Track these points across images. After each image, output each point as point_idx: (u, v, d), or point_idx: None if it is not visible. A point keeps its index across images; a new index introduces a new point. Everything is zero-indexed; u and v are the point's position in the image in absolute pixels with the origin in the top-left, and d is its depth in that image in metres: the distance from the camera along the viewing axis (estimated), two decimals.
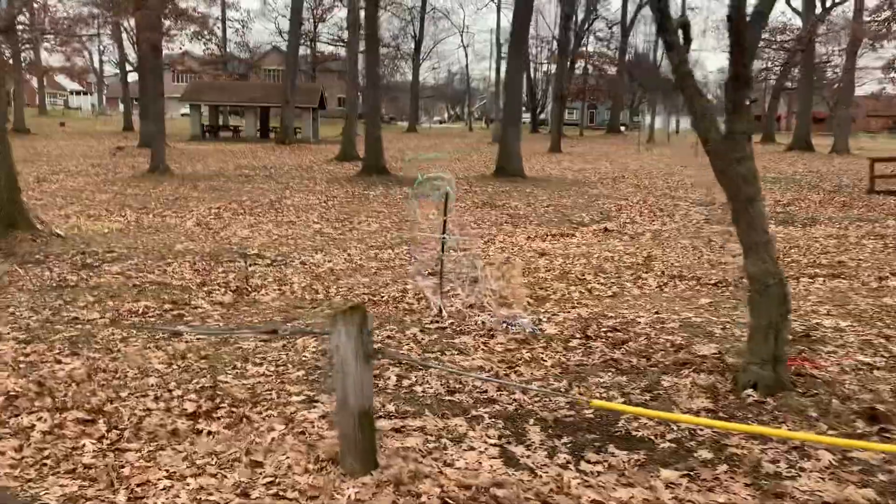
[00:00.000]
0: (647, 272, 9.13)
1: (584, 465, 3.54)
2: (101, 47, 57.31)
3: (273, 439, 3.82)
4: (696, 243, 11.62)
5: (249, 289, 8.39)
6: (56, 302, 7.61)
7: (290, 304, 7.66)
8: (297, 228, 13.48)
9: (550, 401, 4.40)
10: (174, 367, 5.36)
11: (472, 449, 3.73)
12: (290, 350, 5.74)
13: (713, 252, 10.80)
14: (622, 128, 68.40)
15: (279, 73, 66.73)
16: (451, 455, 3.67)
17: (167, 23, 19.41)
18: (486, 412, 4.26)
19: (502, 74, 49.48)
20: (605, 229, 13.62)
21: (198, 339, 6.15)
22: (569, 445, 3.77)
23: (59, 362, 5.51)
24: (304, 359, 5.49)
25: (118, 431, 4.03)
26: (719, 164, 4.30)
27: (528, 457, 3.65)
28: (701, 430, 3.85)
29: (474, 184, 20.73)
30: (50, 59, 54.74)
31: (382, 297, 8.00)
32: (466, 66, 75.34)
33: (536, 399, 4.43)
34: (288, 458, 3.59)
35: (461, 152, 35.76)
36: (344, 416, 3.38)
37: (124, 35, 45.07)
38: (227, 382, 4.89)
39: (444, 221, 6.66)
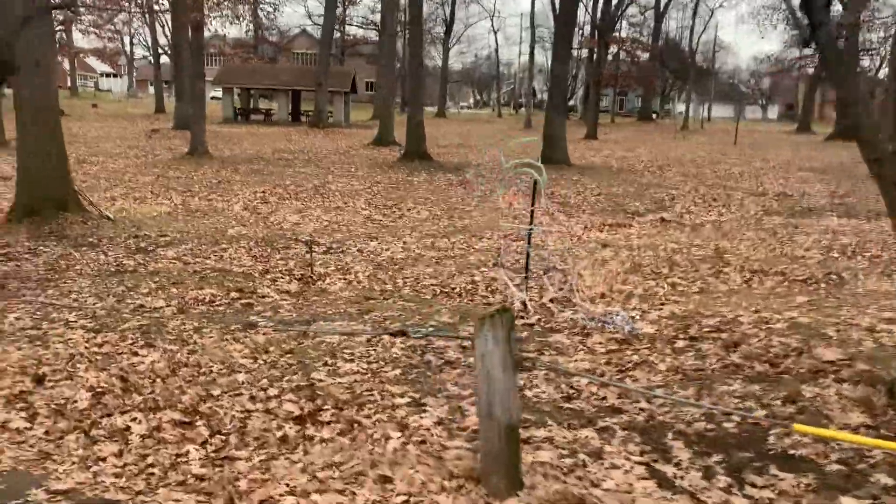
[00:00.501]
0: (725, 266, 8.69)
1: (749, 490, 3.17)
2: (132, 30, 57.28)
3: (394, 449, 3.49)
4: (762, 235, 11.16)
5: (314, 277, 8.08)
6: (118, 288, 7.35)
7: (361, 295, 7.33)
8: (345, 214, 13.16)
9: (682, 410, 4.03)
10: (259, 362, 5.05)
11: (616, 467, 3.38)
12: (377, 346, 5.41)
13: (784, 245, 10.34)
14: (654, 115, 67.25)
15: (308, 56, 66.47)
16: (595, 473, 3.31)
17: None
18: (614, 423, 3.90)
19: (535, 59, 48.87)
20: (662, 219, 13.17)
21: (275, 331, 5.85)
22: (723, 465, 3.40)
23: (136, 354, 5.23)
24: (394, 356, 5.17)
25: (222, 437, 3.72)
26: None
27: (681, 478, 3.29)
28: (868, 449, 3.46)
29: None
30: (81, 40, 54.95)
31: (454, 288, 7.65)
32: (496, 50, 73.93)
33: (665, 409, 4.07)
34: (418, 472, 3.25)
35: (497, 138, 35.21)
36: (489, 429, 3.03)
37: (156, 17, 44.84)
38: (322, 381, 4.57)
39: (533, 211, 6.29)
